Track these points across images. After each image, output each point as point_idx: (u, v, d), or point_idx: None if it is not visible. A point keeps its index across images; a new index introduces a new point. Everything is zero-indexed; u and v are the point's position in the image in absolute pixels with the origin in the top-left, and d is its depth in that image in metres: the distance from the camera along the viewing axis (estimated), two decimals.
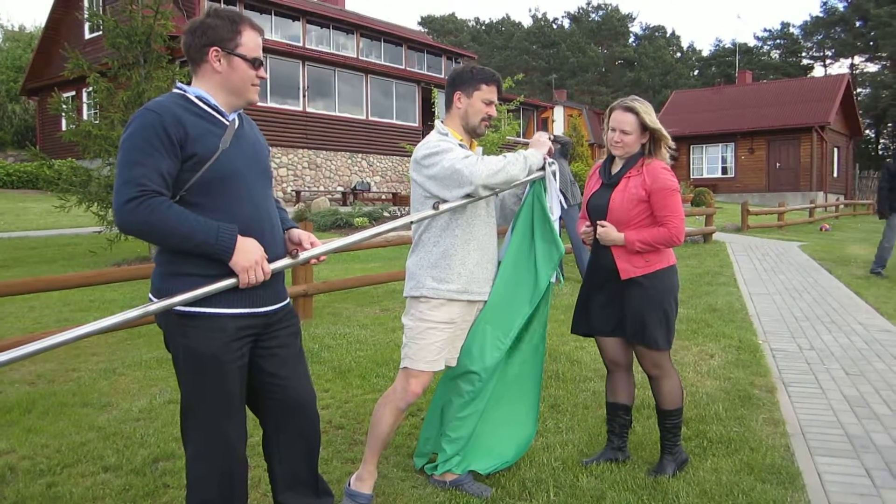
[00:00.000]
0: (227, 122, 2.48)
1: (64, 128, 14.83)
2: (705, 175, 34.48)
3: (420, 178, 3.09)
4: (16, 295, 5.82)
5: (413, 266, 3.20)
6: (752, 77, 44.00)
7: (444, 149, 3.03)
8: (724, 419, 4.25)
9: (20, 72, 31.80)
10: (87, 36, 23.93)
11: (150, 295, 2.44)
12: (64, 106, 11.49)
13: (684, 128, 34.70)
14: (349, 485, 3.21)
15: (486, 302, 3.25)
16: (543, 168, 3.20)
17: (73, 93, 23.09)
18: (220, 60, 2.45)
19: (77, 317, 7.32)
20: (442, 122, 3.26)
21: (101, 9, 22.12)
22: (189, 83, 2.53)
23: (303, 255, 2.59)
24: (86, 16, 14.11)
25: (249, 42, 2.47)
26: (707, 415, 4.31)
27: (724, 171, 34.46)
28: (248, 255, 2.36)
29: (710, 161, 34.94)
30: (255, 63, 2.49)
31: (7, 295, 5.37)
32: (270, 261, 2.45)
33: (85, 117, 15.53)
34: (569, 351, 5.78)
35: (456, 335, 3.20)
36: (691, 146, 35.01)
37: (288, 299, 2.67)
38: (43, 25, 27.93)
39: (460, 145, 3.15)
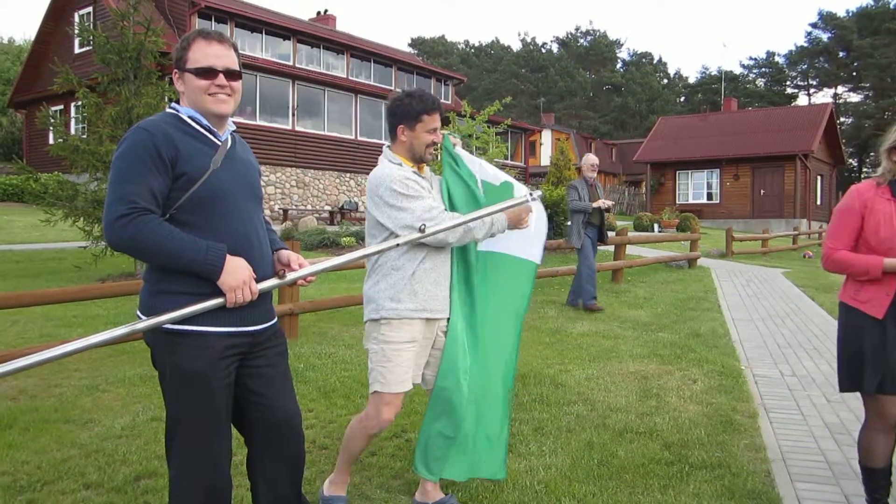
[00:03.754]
0: (218, 143, 2.51)
1: (51, 141, 14.82)
2: (691, 200, 34.82)
3: (381, 216, 3.09)
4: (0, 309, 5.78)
5: (370, 290, 3.22)
6: (737, 104, 44.61)
7: (413, 195, 3.04)
8: (707, 444, 4.28)
9: (8, 84, 31.77)
10: (77, 50, 23.93)
11: (138, 312, 2.45)
12: (52, 120, 11.47)
13: (670, 153, 35.13)
14: (323, 491, 3.29)
15: (448, 320, 3.27)
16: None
17: (62, 107, 23.04)
18: (180, 81, 2.51)
19: (60, 332, 7.27)
20: (389, 148, 3.27)
21: (91, 24, 22.13)
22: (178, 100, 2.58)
23: (290, 276, 2.60)
24: (76, 31, 14.09)
25: (196, 54, 2.47)
26: (689, 439, 4.34)
27: (710, 196, 34.80)
28: (236, 275, 2.38)
29: (696, 187, 35.30)
30: (201, 72, 2.45)
31: None
32: (258, 281, 2.46)
33: (73, 132, 15.47)
34: (553, 374, 5.80)
35: (419, 353, 3.24)
36: (677, 172, 35.37)
37: (275, 319, 2.68)
38: (33, 39, 27.91)
39: (414, 172, 3.19)
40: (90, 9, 24.54)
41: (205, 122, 2.49)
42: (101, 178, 10.90)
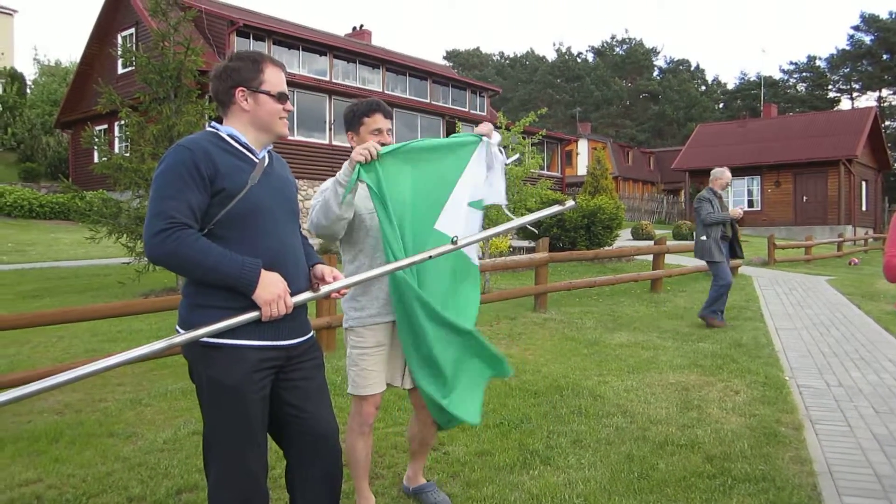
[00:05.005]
0: (256, 160, 2.56)
1: (96, 160, 15.16)
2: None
3: None
4: (47, 325, 5.92)
5: (341, 300, 3.30)
6: (777, 110, 43.90)
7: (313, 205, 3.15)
8: (750, 457, 4.19)
9: (55, 105, 32.55)
10: (120, 71, 24.50)
11: (177, 326, 2.50)
12: (96, 139, 11.76)
13: (709, 161, 34.54)
14: None
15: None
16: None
17: (106, 126, 23.60)
18: (246, 99, 2.56)
19: (105, 346, 7.42)
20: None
21: (133, 45, 22.66)
22: (219, 118, 2.63)
23: (324, 289, 2.63)
24: (119, 52, 14.45)
25: (272, 78, 2.59)
26: (732, 452, 4.26)
27: (751, 204, 34.24)
28: (271, 289, 2.41)
29: (736, 194, 34.74)
30: (280, 97, 2.59)
31: (39, 325, 5.48)
32: (293, 294, 2.50)
33: (116, 150, 15.87)
34: (591, 386, 5.74)
35: (391, 354, 3.27)
36: None
37: (311, 333, 2.71)
38: (77, 61, 28.65)
39: None
40: (132, 30, 25.13)
41: (243, 139, 2.56)
42: (143, 196, 11.13)
